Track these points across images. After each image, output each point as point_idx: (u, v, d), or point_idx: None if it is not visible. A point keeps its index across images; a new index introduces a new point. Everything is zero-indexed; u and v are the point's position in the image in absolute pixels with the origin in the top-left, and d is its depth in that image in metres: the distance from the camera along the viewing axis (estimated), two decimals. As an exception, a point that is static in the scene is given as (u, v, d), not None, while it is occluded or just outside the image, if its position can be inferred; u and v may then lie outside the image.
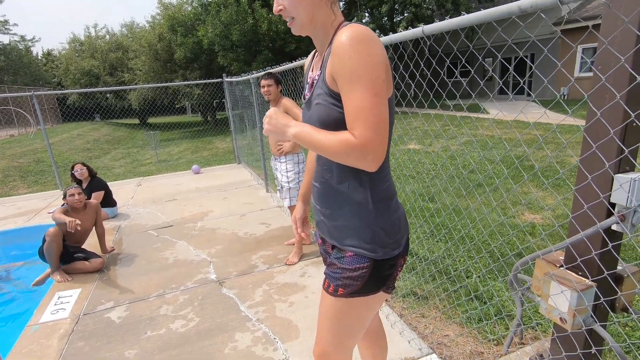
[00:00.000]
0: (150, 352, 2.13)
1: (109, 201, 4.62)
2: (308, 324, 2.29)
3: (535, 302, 2.02)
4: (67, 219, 2.93)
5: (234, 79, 6.22)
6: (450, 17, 1.40)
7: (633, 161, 1.23)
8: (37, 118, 5.27)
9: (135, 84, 17.51)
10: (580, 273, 1.40)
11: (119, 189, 6.09)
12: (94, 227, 3.49)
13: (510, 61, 15.53)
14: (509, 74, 15.50)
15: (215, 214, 4.52)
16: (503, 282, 2.58)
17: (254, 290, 2.72)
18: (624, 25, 1.05)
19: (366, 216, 1.00)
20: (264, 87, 3.01)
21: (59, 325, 2.46)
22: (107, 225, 4.33)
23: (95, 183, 4.57)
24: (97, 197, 4.45)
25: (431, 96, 1.85)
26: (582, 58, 12.98)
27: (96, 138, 15.21)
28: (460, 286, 2.57)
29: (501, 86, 15.62)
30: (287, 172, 3.11)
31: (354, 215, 1.01)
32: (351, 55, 0.83)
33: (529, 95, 14.76)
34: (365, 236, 1.00)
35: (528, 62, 14.74)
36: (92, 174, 4.61)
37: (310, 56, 1.19)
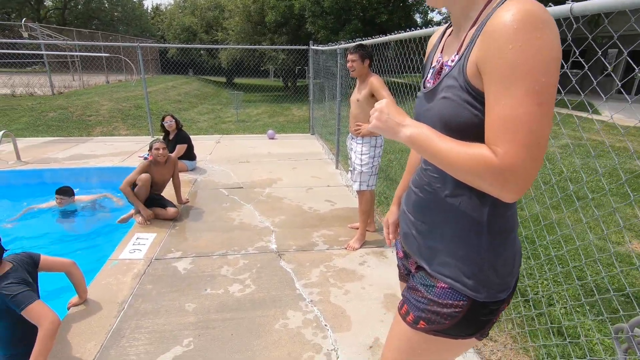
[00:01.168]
0: (207, 310, 2.22)
1: (190, 154, 4.91)
2: (361, 317, 2.19)
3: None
4: (142, 213, 3.33)
5: (320, 47, 6.06)
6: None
7: None
8: (139, 67, 5.81)
9: (227, 44, 18.27)
10: None
11: (200, 144, 6.48)
12: (171, 179, 3.73)
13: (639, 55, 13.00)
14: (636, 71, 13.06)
15: (284, 183, 4.56)
16: (595, 322, 2.18)
17: (311, 269, 2.68)
18: None
19: (476, 246, 0.80)
20: (348, 61, 2.81)
21: (134, 264, 2.69)
22: (185, 177, 4.63)
23: (180, 136, 4.87)
24: (180, 149, 4.75)
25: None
26: None
27: (187, 91, 16.38)
28: (540, 313, 2.24)
29: (621, 85, 13.29)
30: (361, 154, 2.94)
31: (460, 240, 0.81)
32: (516, 44, 0.60)
33: (658, 98, 12.33)
34: (468, 270, 0.81)
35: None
36: (178, 126, 4.92)
37: (439, 31, 0.94)
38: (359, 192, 3.02)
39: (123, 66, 17.74)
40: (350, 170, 3.13)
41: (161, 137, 5.08)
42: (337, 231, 3.30)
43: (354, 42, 4.01)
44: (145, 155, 5.24)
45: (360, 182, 2.98)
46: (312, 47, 7.00)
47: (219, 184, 4.49)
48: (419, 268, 0.94)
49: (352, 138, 3.04)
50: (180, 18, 22.62)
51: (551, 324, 2.14)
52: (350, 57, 2.81)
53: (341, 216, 3.62)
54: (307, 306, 2.28)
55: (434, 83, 0.83)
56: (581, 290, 2.54)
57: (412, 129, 0.75)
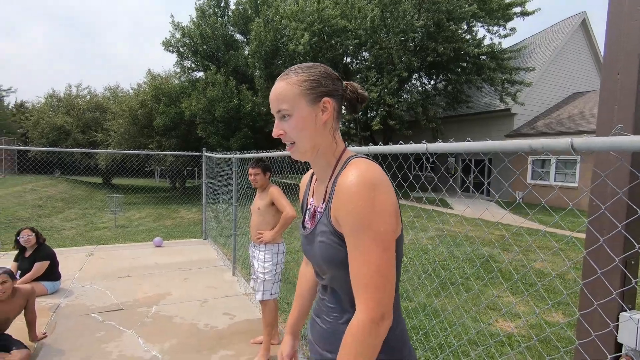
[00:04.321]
0: None
1: (52, 274, 4.08)
2: None
3: None
4: None
5: (215, 154, 6.21)
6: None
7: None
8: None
9: (107, 145, 17.20)
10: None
11: (66, 258, 5.47)
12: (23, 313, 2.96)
13: (471, 162, 16.92)
14: (473, 175, 16.77)
15: (174, 298, 4.07)
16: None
17: (211, 405, 2.31)
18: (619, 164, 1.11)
19: None
20: (251, 174, 2.97)
21: None
22: (43, 303, 3.75)
23: (41, 252, 4.07)
24: (40, 268, 3.93)
25: (400, 182, 1.85)
26: (532, 167, 14.42)
27: (51, 195, 14.24)
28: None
29: (465, 185, 16.72)
30: (264, 262, 2.91)
31: None
32: (357, 203, 0.76)
33: (488, 194, 15.80)
34: None
35: (487, 165, 16.10)
36: (39, 240, 4.14)
37: (307, 176, 1.12)
38: (262, 302, 2.90)
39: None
40: (253, 279, 3.03)
41: (11, 259, 4.16)
42: (239, 349, 3.00)
43: (248, 152, 4.28)
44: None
45: (263, 291, 2.89)
46: (206, 154, 7.12)
47: (91, 307, 3.75)
48: None
49: (255, 246, 3.03)
50: (51, 117, 20.67)
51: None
52: (252, 171, 2.97)
53: (242, 331, 3.34)
54: None
55: (311, 225, 0.96)
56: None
57: None
